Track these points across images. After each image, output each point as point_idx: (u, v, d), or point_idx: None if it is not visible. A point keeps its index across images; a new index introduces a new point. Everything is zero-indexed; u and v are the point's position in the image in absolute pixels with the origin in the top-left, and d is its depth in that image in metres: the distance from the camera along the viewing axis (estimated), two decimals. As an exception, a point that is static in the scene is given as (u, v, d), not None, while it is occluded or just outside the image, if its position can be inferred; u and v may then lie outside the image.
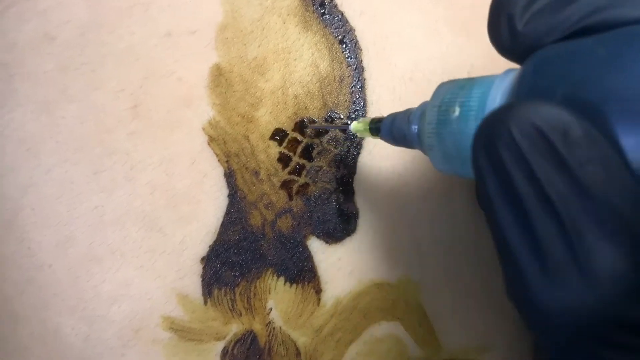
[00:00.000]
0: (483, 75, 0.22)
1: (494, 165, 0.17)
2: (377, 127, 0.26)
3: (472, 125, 0.20)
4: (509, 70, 0.20)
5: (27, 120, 0.29)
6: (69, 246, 0.28)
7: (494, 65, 0.25)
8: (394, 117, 0.25)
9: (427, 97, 0.30)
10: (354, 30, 0.31)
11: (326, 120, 0.30)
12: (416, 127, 0.24)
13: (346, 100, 0.30)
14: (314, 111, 0.30)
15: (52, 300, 0.28)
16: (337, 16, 0.31)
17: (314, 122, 0.30)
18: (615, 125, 0.16)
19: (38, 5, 0.30)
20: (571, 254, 0.16)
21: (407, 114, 0.25)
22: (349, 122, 0.30)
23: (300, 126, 0.30)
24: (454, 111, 0.21)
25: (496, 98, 0.20)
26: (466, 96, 0.21)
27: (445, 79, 0.24)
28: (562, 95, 0.17)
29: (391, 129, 0.25)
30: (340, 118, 0.30)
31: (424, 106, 0.24)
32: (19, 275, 0.28)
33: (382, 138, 0.26)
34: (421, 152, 0.25)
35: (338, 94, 0.30)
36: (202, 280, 0.28)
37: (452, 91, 0.22)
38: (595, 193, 0.16)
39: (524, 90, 0.19)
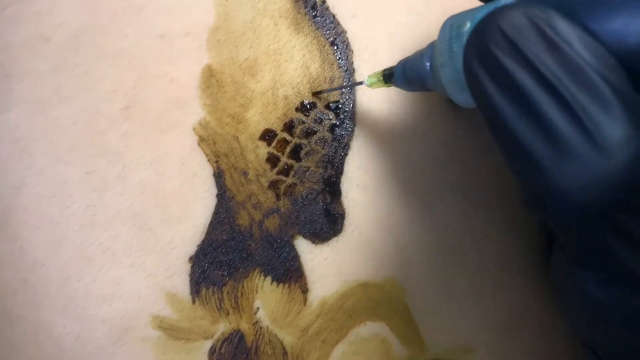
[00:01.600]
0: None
1: (488, 63, 0.18)
2: (389, 75, 0.27)
3: None
4: None
5: (21, 121, 0.29)
6: (60, 245, 0.28)
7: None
8: (404, 61, 0.26)
9: (416, 99, 0.31)
10: (346, 32, 0.31)
11: (315, 122, 0.30)
12: (429, 63, 0.25)
13: (336, 101, 0.30)
14: (304, 112, 0.30)
15: (44, 299, 0.28)
16: (329, 18, 0.31)
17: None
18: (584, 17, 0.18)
19: (33, 7, 0.30)
20: (580, 129, 0.16)
21: (417, 54, 0.25)
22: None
23: (289, 126, 0.30)
24: (465, 25, 0.22)
25: None
26: (476, 12, 0.22)
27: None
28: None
29: (404, 71, 0.26)
30: (329, 119, 0.30)
31: (433, 42, 0.25)
32: (11, 275, 0.28)
33: (396, 84, 0.27)
34: (435, 91, 0.25)
35: (328, 95, 0.30)
36: (191, 279, 0.29)
37: (462, 13, 0.23)
38: (587, 69, 0.17)
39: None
